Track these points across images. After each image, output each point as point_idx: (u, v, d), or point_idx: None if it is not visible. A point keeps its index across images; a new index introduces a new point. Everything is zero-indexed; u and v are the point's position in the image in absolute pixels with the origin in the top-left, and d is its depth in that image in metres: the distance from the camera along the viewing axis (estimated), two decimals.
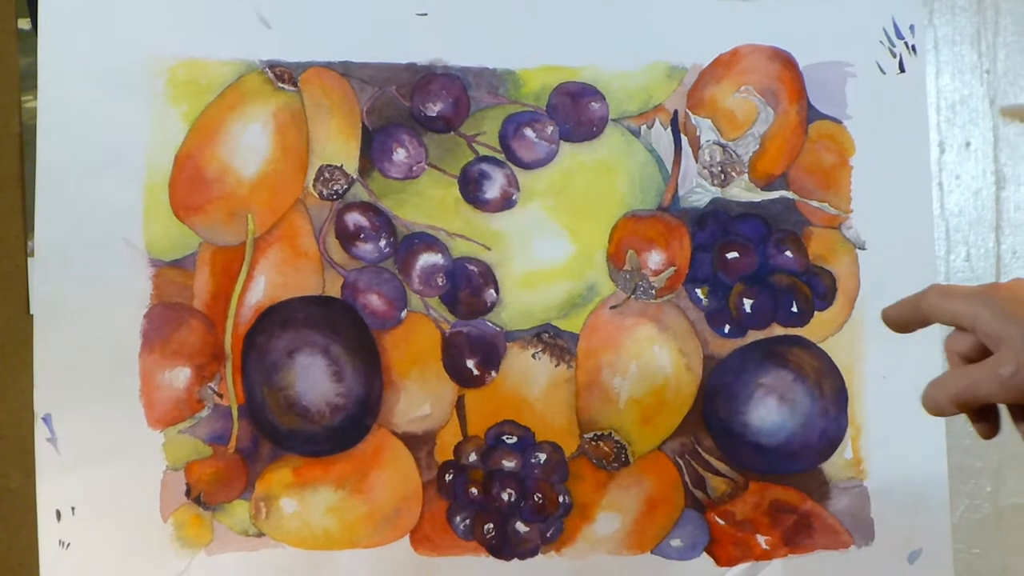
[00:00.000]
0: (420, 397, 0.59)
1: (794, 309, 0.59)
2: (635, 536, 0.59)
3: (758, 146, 0.60)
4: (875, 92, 0.60)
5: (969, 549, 0.61)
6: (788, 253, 0.59)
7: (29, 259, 0.58)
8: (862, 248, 0.60)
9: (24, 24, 0.58)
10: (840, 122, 0.60)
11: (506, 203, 0.59)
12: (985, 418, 0.47)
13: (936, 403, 0.49)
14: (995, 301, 0.46)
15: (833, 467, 0.59)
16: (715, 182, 0.59)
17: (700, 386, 0.59)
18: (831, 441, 0.59)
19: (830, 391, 0.59)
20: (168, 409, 0.57)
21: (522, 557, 0.59)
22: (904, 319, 0.51)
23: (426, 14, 0.59)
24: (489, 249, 0.59)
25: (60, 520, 0.57)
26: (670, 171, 0.59)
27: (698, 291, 0.59)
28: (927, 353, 0.59)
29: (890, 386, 0.59)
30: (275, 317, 0.58)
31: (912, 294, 0.51)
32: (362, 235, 0.58)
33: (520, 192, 0.59)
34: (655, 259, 0.59)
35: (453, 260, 0.59)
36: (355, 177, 0.59)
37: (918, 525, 0.59)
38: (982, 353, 0.46)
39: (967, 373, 0.48)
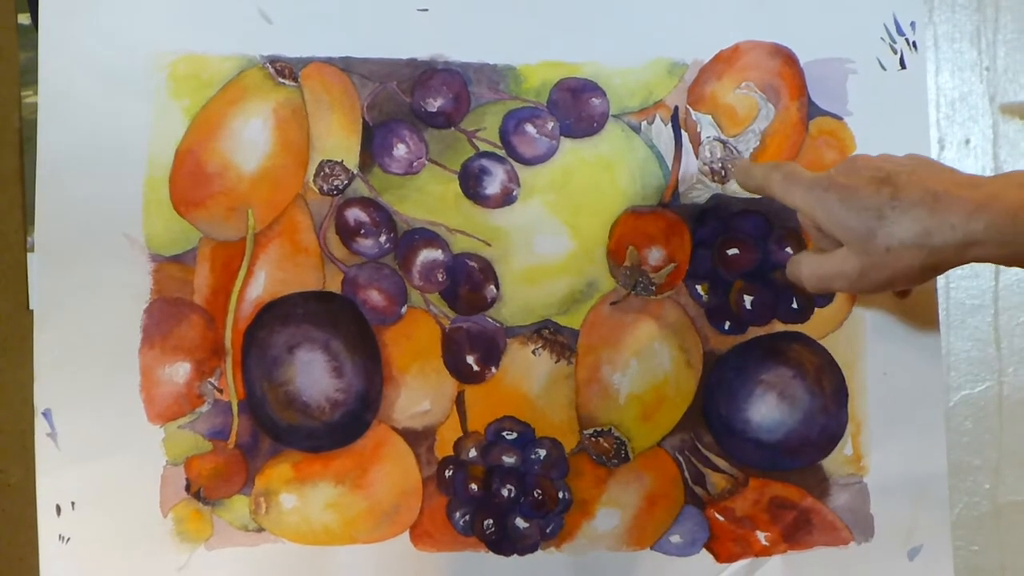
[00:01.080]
0: (420, 393, 0.59)
1: (794, 305, 0.59)
2: (635, 532, 0.59)
3: (759, 142, 0.60)
4: (876, 88, 0.60)
5: (968, 546, 0.61)
6: (789, 249, 0.59)
7: (29, 254, 0.58)
8: None
9: (24, 19, 0.58)
10: (841, 118, 0.60)
11: (506, 199, 0.59)
12: None
13: (797, 280, 0.49)
14: (830, 197, 0.45)
15: (833, 463, 0.59)
16: (716, 178, 0.59)
17: (700, 382, 0.59)
18: (831, 437, 0.59)
19: (830, 387, 0.59)
20: (168, 404, 0.57)
21: (522, 553, 0.59)
22: (751, 188, 0.53)
23: (427, 9, 0.59)
24: (489, 245, 0.59)
25: (60, 515, 0.57)
26: (671, 167, 0.59)
27: (698, 287, 0.59)
28: (927, 350, 0.60)
29: (890, 383, 0.59)
30: (275, 312, 0.58)
31: (765, 166, 0.51)
32: (362, 231, 0.58)
33: (520, 188, 0.59)
34: (655, 255, 0.59)
35: (453, 256, 0.59)
36: (355, 172, 0.59)
37: (918, 521, 0.59)
38: None
39: (820, 263, 0.48)
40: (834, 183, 0.45)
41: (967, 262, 0.44)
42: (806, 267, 0.49)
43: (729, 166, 0.59)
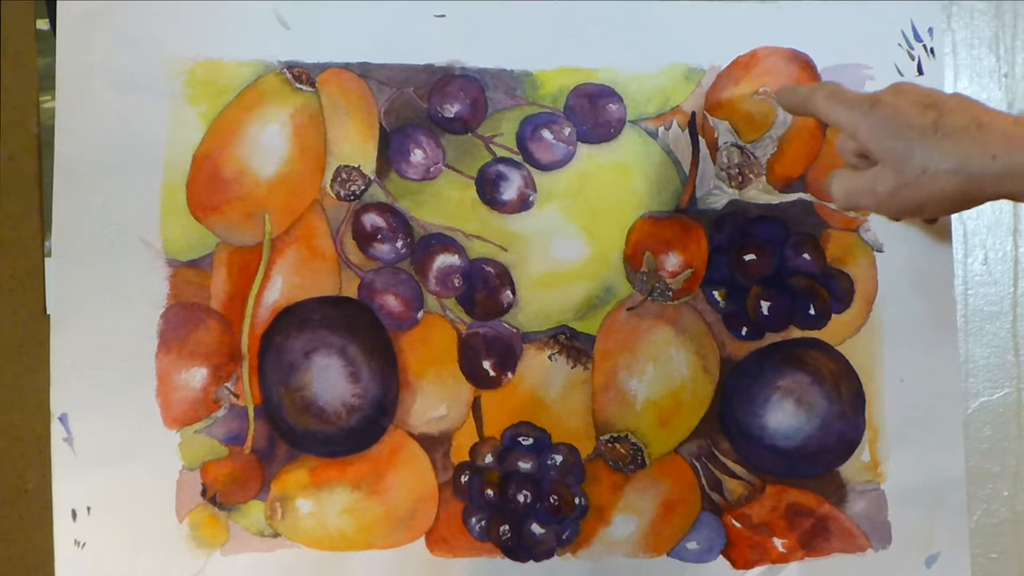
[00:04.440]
0: (436, 398, 0.58)
1: (812, 311, 0.59)
2: (651, 538, 0.59)
3: (776, 148, 0.59)
4: None
5: (986, 553, 0.61)
6: (806, 255, 0.59)
7: (46, 259, 0.58)
8: (880, 251, 0.59)
9: (43, 25, 0.59)
10: None
11: (523, 204, 0.59)
12: None
13: (830, 195, 0.50)
14: (875, 115, 0.46)
15: (850, 470, 0.59)
16: (733, 184, 0.59)
17: (717, 388, 0.59)
18: (848, 444, 0.59)
19: (847, 394, 0.59)
20: (184, 409, 0.57)
21: (538, 559, 0.58)
22: (794, 108, 0.53)
23: (444, 15, 0.59)
24: (506, 250, 0.59)
25: (76, 520, 0.57)
26: (687, 173, 0.59)
27: (715, 293, 0.59)
28: (945, 356, 0.59)
29: (907, 389, 0.59)
30: (292, 317, 0.58)
31: (810, 86, 0.52)
32: (379, 236, 0.58)
33: (537, 193, 0.59)
34: (672, 261, 0.59)
35: (470, 261, 0.59)
36: (372, 178, 0.59)
37: (936, 529, 0.59)
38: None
39: (851, 180, 0.48)
40: (879, 102, 0.46)
41: (998, 197, 0.44)
42: (837, 183, 0.49)
43: (746, 171, 0.59)
